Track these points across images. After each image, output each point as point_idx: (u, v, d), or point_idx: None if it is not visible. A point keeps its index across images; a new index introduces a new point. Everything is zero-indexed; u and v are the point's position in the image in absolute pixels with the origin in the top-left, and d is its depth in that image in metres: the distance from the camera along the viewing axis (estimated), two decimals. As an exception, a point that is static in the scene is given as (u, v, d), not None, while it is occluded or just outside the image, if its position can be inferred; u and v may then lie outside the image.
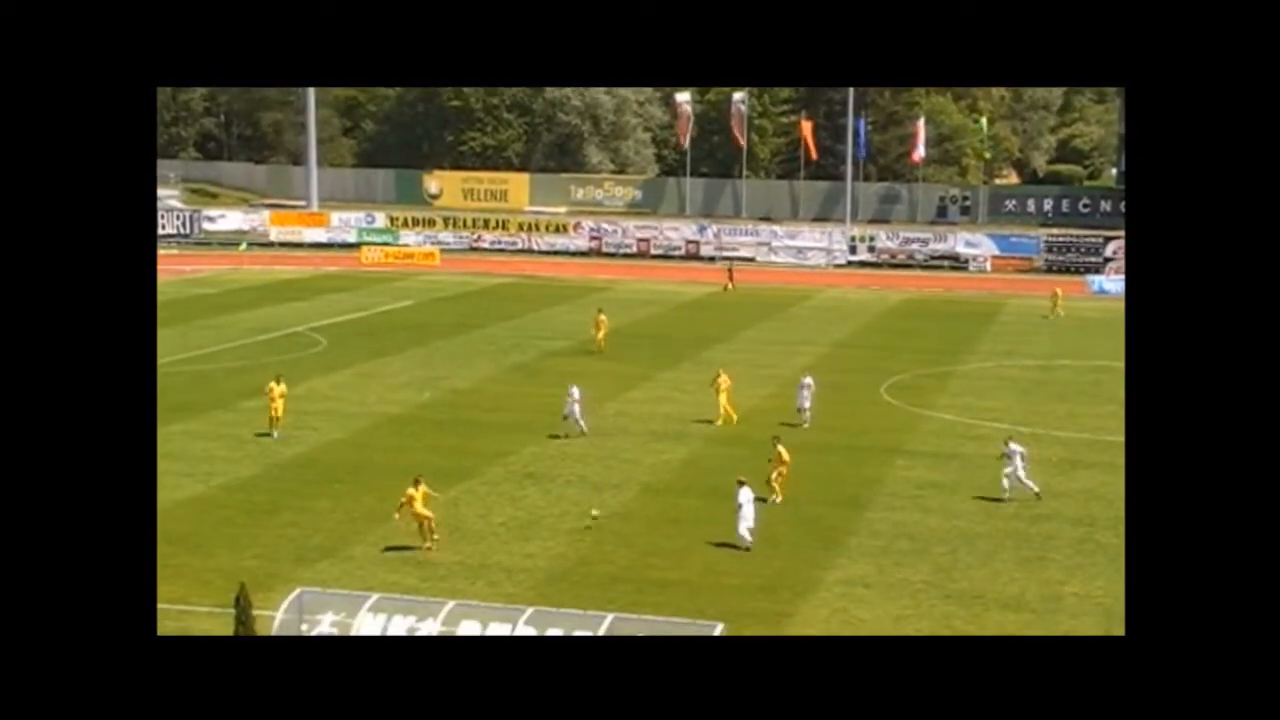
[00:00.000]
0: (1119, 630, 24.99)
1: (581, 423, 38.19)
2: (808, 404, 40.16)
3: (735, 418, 40.07)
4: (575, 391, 38.43)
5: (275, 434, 37.26)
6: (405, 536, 29.49)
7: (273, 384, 37.85)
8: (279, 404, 37.47)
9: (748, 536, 28.96)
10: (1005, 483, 32.66)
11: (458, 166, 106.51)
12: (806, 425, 39.53)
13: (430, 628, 22.27)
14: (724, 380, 40.73)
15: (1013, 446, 33.00)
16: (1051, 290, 66.56)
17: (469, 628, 22.33)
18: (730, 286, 73.26)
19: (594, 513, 30.90)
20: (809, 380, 40.77)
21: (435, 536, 28.49)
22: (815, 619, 25.10)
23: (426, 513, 28.47)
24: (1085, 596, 26.65)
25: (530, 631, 21.88)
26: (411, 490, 28.42)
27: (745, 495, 29.16)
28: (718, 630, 21.78)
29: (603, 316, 53.04)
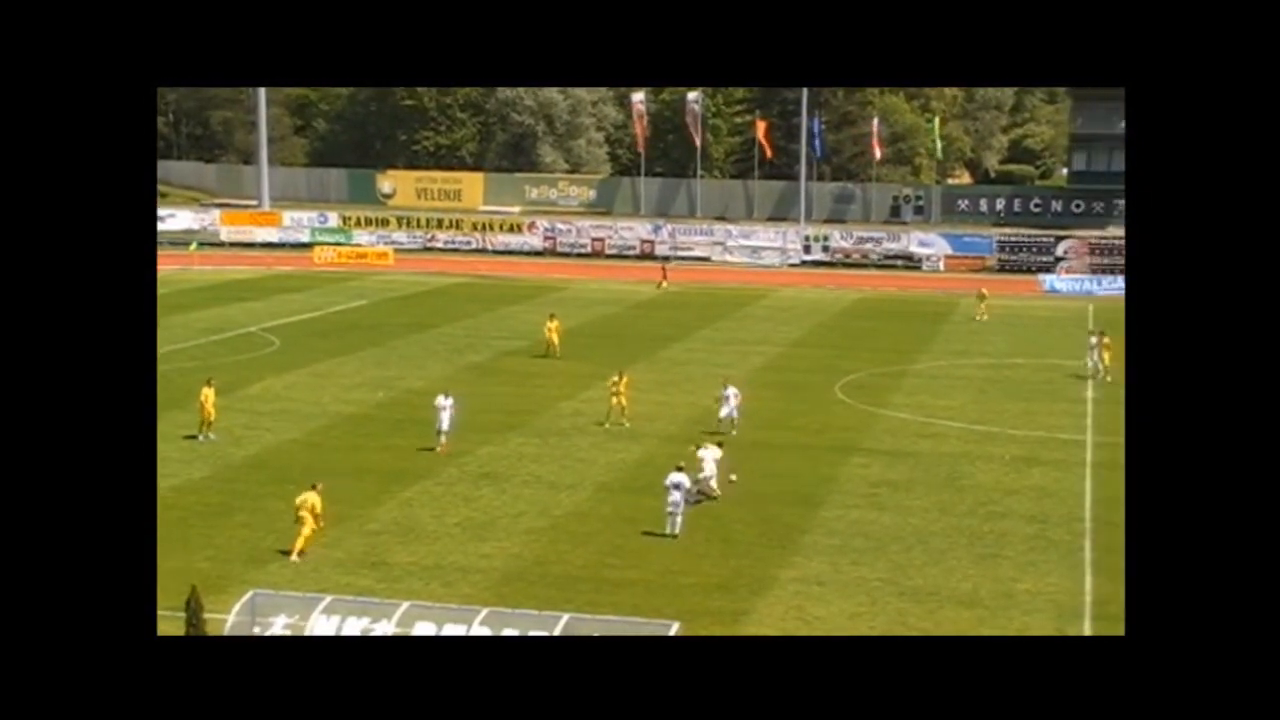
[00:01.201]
0: (1072, 626, 25.26)
1: (444, 435, 36.36)
2: (735, 414, 38.45)
3: (626, 420, 39.46)
4: (445, 400, 36.85)
5: (202, 436, 37.01)
6: (360, 537, 29.33)
7: (206, 389, 37.62)
8: (210, 409, 37.26)
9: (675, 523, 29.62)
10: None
11: (411, 166, 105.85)
12: (734, 434, 37.70)
13: (385, 629, 22.15)
14: (624, 381, 39.97)
15: (704, 452, 32.31)
16: (977, 290, 65.96)
17: (424, 629, 22.22)
18: (664, 284, 73.09)
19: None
20: (733, 390, 38.97)
21: (301, 553, 27.87)
22: (771, 617, 25.15)
23: (312, 523, 27.96)
24: (1038, 593, 26.80)
25: (486, 632, 21.80)
26: (311, 495, 28.15)
27: (673, 479, 29.67)
28: (674, 629, 21.79)
29: (554, 322, 51.87)
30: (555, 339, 50.99)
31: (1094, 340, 49.04)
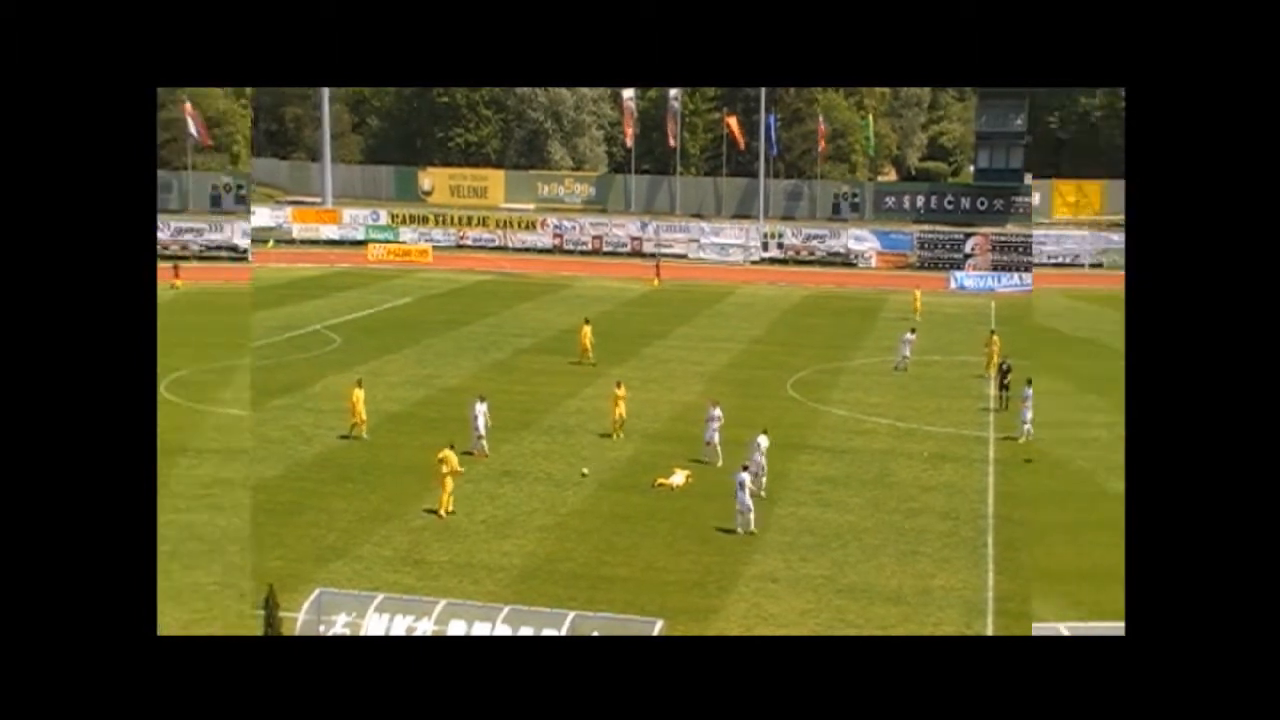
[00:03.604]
0: (977, 623, 24.82)
1: (484, 443, 33.51)
2: (716, 438, 33.43)
3: (622, 432, 36.07)
4: (480, 408, 33.79)
5: (359, 435, 35.44)
6: (404, 534, 28.88)
7: (356, 390, 35.71)
8: (361, 409, 35.80)
9: (748, 521, 28.79)
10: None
11: (446, 163, 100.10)
12: (719, 464, 32.89)
13: (425, 627, 21.87)
14: (620, 391, 36.23)
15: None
16: (914, 290, 62.28)
17: (457, 627, 21.96)
18: (658, 282, 70.24)
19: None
20: (717, 412, 33.86)
21: (450, 509, 28.81)
22: (734, 614, 24.56)
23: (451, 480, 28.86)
24: (950, 590, 26.15)
25: (506, 630, 21.49)
26: (448, 452, 28.98)
27: (739, 477, 28.87)
28: (658, 628, 21.49)
29: (587, 327, 46.27)
30: (589, 344, 45.37)
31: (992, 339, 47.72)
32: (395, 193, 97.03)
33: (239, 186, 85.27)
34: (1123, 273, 13.53)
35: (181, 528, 27.58)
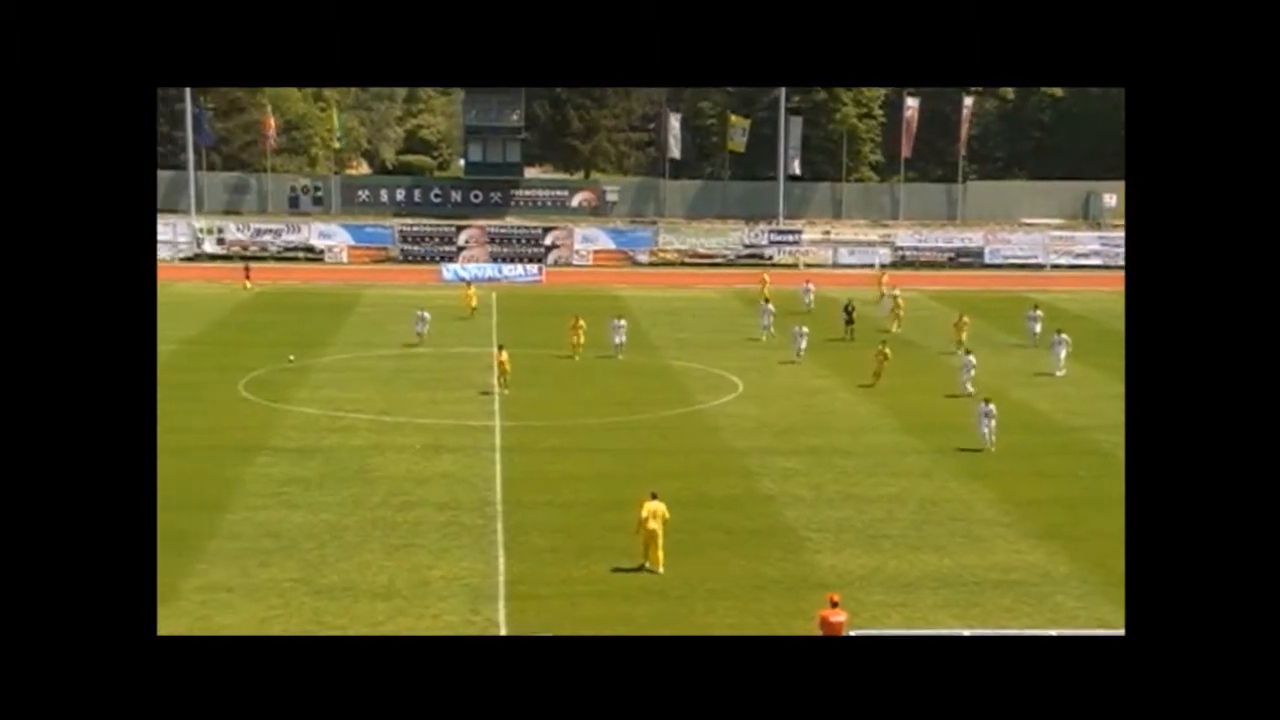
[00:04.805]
0: (486, 609, 25.99)
1: None
2: None
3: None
4: None
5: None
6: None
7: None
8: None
9: None
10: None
11: None
12: None
13: None
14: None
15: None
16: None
17: None
18: None
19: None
20: None
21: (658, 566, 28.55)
22: (176, 629, 23.95)
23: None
24: (453, 579, 27.39)
25: None
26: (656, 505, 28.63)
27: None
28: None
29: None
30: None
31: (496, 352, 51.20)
32: None
33: (316, 188, 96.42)
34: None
35: (257, 525, 30.73)
